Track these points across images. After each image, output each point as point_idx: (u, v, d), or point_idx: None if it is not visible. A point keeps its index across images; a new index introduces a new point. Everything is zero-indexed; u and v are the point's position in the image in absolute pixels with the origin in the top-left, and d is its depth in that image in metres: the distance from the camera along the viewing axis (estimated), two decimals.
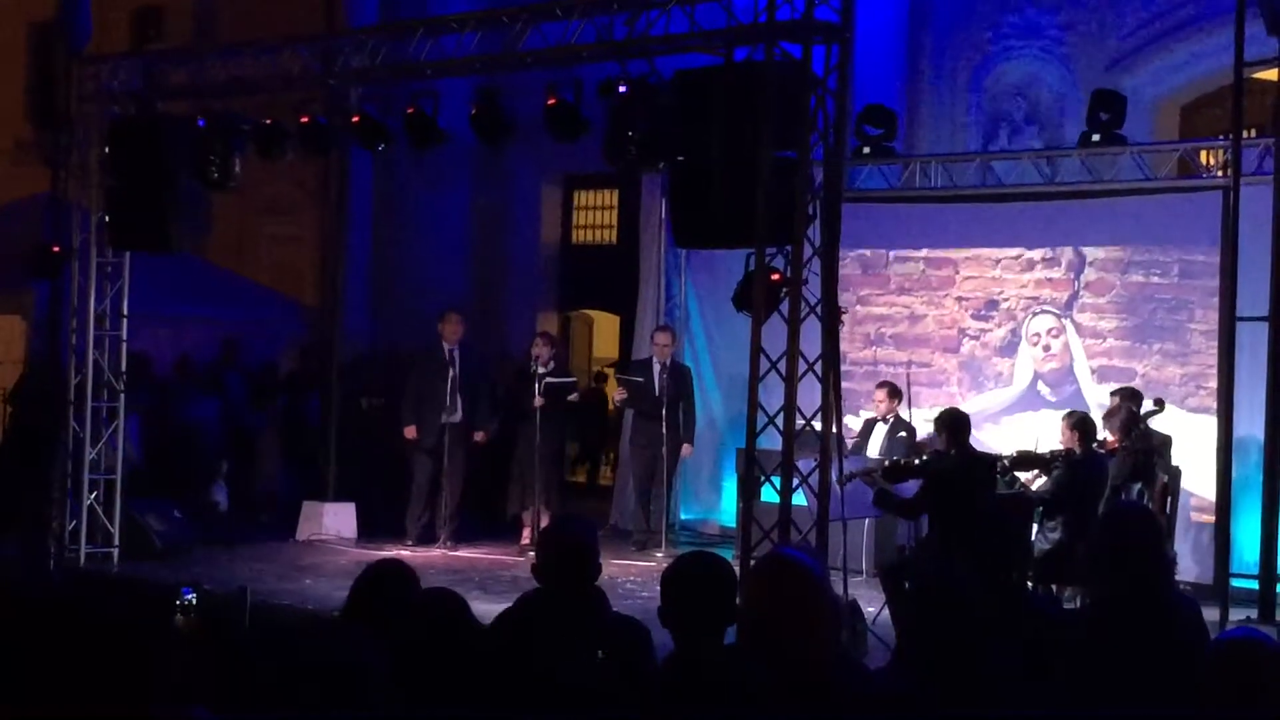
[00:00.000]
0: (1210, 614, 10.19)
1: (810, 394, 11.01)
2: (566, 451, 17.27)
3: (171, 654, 3.67)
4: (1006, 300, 15.43)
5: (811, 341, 10.93)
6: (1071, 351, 15.01)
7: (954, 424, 11.54)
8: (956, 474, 11.31)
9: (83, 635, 3.34)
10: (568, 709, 5.05)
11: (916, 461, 12.51)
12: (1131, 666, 5.04)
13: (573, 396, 15.65)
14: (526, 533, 15.07)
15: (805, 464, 10.99)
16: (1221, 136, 14.35)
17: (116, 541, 14.51)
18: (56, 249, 14.70)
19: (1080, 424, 11.81)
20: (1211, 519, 12.92)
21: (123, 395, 14.63)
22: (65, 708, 3.25)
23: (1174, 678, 4.96)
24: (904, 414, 14.22)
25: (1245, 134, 12.37)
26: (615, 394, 16.03)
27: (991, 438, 14.54)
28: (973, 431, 11.95)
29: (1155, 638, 4.80)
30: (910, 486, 12.21)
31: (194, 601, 6.47)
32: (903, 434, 14.34)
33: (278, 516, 16.83)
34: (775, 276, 10.94)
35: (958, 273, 15.79)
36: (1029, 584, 11.49)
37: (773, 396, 10.91)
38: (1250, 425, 12.11)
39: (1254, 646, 4.54)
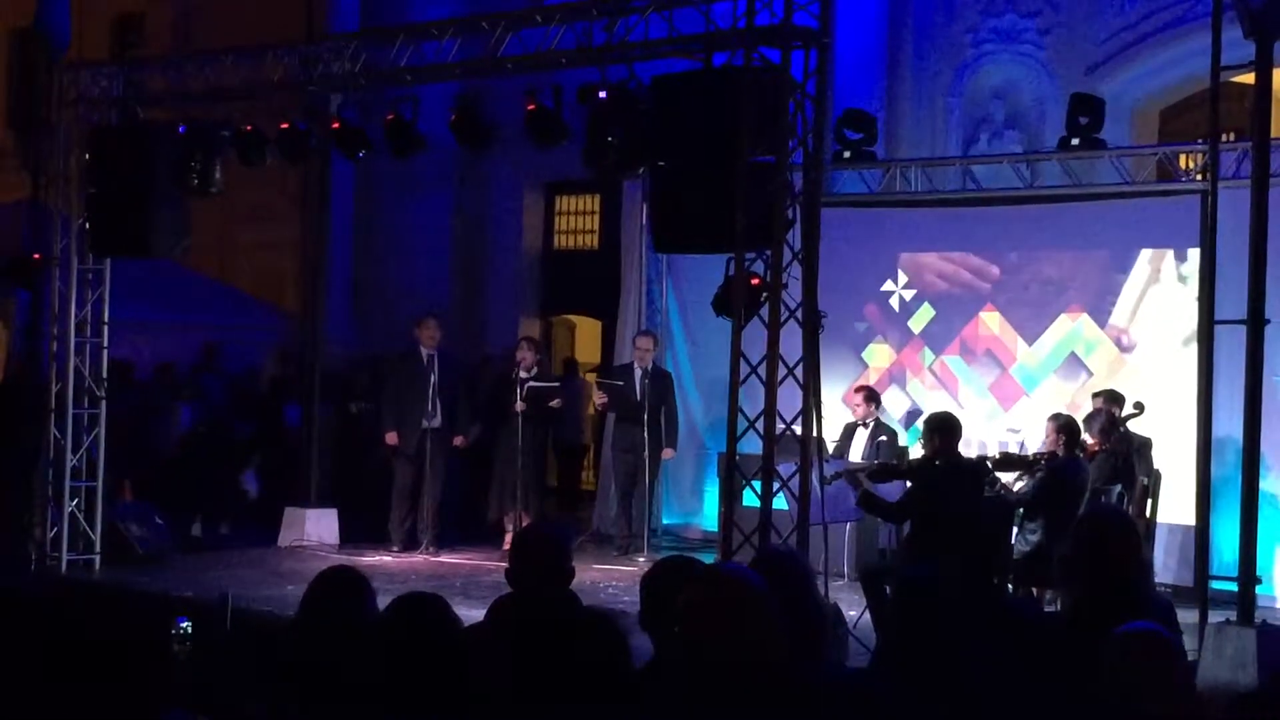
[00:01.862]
0: (1190, 616, 10.24)
1: (790, 398, 11.03)
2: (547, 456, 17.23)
3: (167, 672, 3.68)
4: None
5: (792, 346, 10.95)
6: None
7: (943, 428, 11.54)
8: (943, 479, 11.32)
9: (81, 649, 3.36)
10: (545, 711, 5.05)
11: (904, 465, 12.54)
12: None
13: (555, 402, 15.66)
14: (509, 538, 15.06)
15: (786, 468, 11.01)
16: (1199, 140, 14.37)
17: (98, 549, 14.47)
18: (37, 256, 14.70)
19: (1065, 427, 11.83)
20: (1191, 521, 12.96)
21: (104, 402, 14.60)
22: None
23: None
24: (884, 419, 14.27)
25: (1223, 138, 12.42)
26: (596, 398, 16.03)
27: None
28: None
29: None
30: (892, 489, 12.23)
31: (189, 630, 6.53)
32: (883, 438, 14.37)
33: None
34: (755, 281, 10.96)
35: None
36: (1009, 587, 11.54)
37: (753, 401, 10.93)
38: (1229, 427, 12.15)
39: (1152, 638, 4.61)
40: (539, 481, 16.03)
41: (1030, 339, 15.15)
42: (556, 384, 16.37)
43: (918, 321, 15.83)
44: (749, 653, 4.14)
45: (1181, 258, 14.28)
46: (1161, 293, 14.48)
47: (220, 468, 17.34)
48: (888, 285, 15.91)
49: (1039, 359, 14.94)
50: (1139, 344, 14.46)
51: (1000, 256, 15.39)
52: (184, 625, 6.51)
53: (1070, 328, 14.96)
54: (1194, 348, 13.20)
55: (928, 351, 15.55)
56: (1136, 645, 4.62)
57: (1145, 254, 14.54)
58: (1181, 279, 14.29)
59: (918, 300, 15.82)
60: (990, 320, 15.41)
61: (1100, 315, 14.78)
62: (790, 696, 4.07)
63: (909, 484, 11.88)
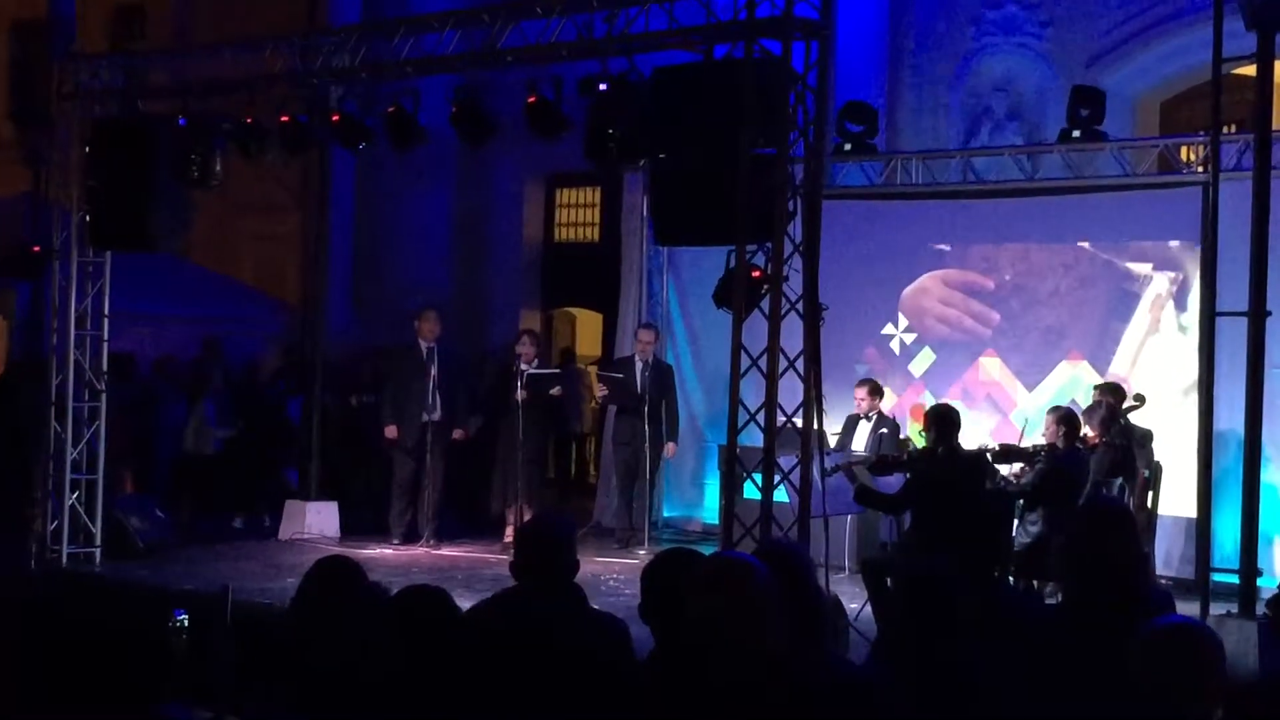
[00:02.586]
0: (1191, 608, 10.24)
1: (791, 391, 11.02)
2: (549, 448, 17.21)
3: (164, 666, 3.70)
4: None
5: (792, 338, 10.94)
6: None
7: (942, 420, 11.55)
8: (943, 471, 11.32)
9: (81, 642, 3.37)
10: (549, 706, 5.05)
11: (904, 457, 12.54)
12: (1106, 662, 5.05)
13: (555, 390, 15.62)
14: (509, 530, 15.05)
15: (786, 461, 11.01)
16: (1201, 132, 14.37)
17: (98, 541, 14.47)
18: (37, 249, 14.71)
19: (1065, 419, 11.83)
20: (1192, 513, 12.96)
21: (104, 395, 14.60)
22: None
23: None
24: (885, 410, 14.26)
25: (1225, 130, 12.41)
26: (597, 391, 16.02)
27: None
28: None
29: (1130, 634, 4.79)
30: (892, 481, 12.23)
31: (185, 623, 6.51)
32: (884, 430, 14.37)
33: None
34: (756, 273, 10.95)
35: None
36: (1010, 579, 11.54)
37: (754, 393, 10.92)
38: (1230, 420, 12.15)
39: (1188, 632, 4.55)
40: (541, 474, 16.02)
41: (1031, 385, 15.10)
42: (557, 371, 16.37)
43: (919, 365, 15.78)
44: (749, 638, 4.14)
45: (1181, 306, 14.27)
46: (1161, 342, 14.39)
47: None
48: (888, 329, 15.87)
49: (1039, 405, 14.67)
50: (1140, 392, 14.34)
51: (1002, 302, 15.31)
52: (181, 618, 6.50)
53: (1071, 374, 14.88)
54: (1194, 397, 13.22)
55: (928, 395, 15.36)
56: (1178, 642, 4.52)
57: (1145, 302, 14.48)
58: (1181, 329, 14.24)
59: (918, 344, 15.78)
60: (990, 365, 15.36)
61: (1100, 363, 14.69)
62: (789, 687, 4.07)
63: (908, 475, 11.88)
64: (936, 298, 15.64)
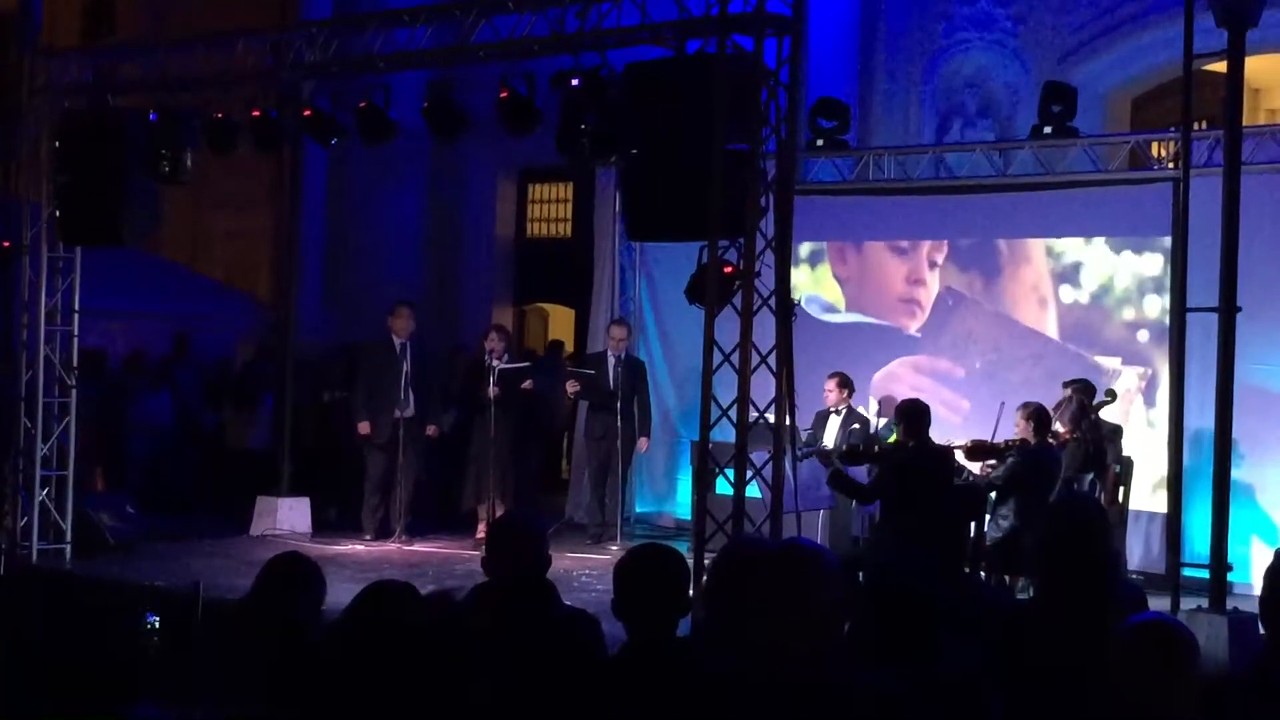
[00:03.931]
0: (1162, 603, 10.28)
1: (763, 386, 11.02)
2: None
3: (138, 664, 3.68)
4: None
5: (764, 334, 10.95)
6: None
7: (912, 415, 11.58)
8: (913, 465, 11.35)
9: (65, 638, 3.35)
10: (520, 703, 5.04)
11: (876, 448, 12.56)
12: (1078, 657, 5.06)
13: (527, 384, 15.60)
14: (482, 526, 15.03)
15: (759, 456, 11.02)
16: (1172, 129, 14.41)
17: (68, 538, 14.42)
18: (6, 244, 14.60)
19: (1035, 415, 11.87)
20: (1162, 508, 13.01)
21: (74, 391, 14.54)
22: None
23: None
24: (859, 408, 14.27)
25: (1195, 126, 12.45)
26: (568, 387, 16.01)
27: None
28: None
29: (1102, 629, 4.81)
30: (862, 473, 12.26)
31: (156, 625, 6.52)
32: (856, 425, 14.38)
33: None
34: (728, 269, 10.95)
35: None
36: (982, 574, 11.57)
37: (726, 389, 10.92)
38: (1201, 416, 12.19)
39: (1164, 629, 4.57)
40: (514, 470, 15.98)
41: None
42: (527, 365, 16.36)
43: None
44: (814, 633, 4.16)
45: (1150, 403, 14.28)
46: (1130, 434, 14.08)
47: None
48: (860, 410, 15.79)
49: None
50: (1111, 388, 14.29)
51: (972, 391, 15.22)
52: (152, 621, 6.51)
53: None
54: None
55: None
56: (1152, 640, 4.54)
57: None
58: (1150, 425, 14.24)
59: (888, 429, 15.72)
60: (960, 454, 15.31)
61: None
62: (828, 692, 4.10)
63: (878, 467, 11.90)
64: (907, 384, 15.57)
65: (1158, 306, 14.23)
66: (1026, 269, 15.12)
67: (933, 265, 15.70)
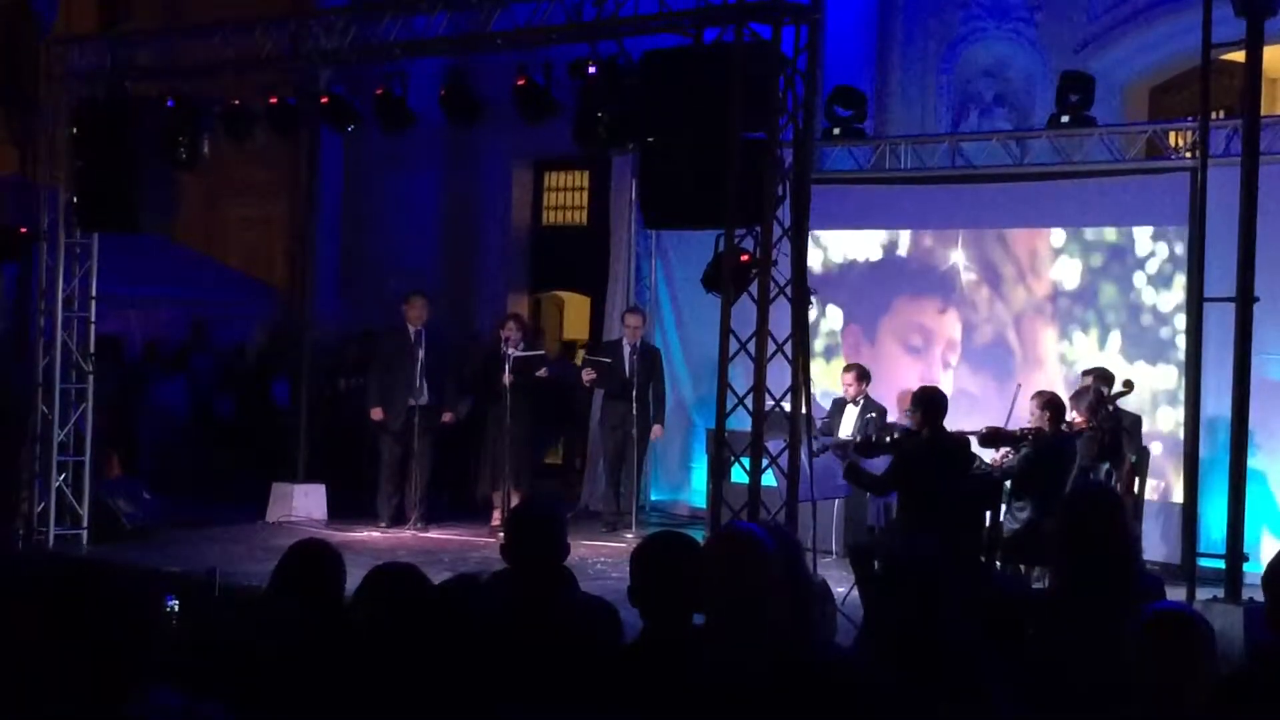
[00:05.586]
0: (1178, 594, 10.26)
1: (780, 375, 11.02)
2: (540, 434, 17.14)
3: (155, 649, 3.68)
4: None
5: (781, 322, 10.95)
6: None
7: (929, 403, 11.55)
8: (928, 454, 11.33)
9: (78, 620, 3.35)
10: (537, 690, 5.05)
11: (889, 439, 12.55)
12: (1096, 647, 5.06)
13: (542, 371, 15.61)
14: (497, 514, 15.06)
15: (775, 444, 11.02)
16: (1189, 118, 14.37)
17: (85, 523, 14.46)
18: (24, 230, 14.64)
19: (1050, 404, 11.84)
20: (1179, 499, 12.99)
21: (91, 377, 14.57)
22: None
23: None
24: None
25: (1213, 115, 12.40)
26: (584, 375, 16.02)
27: None
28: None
29: (1119, 618, 4.81)
30: (877, 464, 12.24)
31: (176, 608, 6.54)
32: (873, 415, 14.37)
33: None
34: (744, 257, 10.96)
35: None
36: (997, 564, 11.56)
37: (742, 377, 10.92)
38: (1218, 406, 12.16)
39: (1182, 619, 4.58)
40: (529, 457, 16.01)
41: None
42: (543, 353, 16.37)
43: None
44: (753, 610, 4.15)
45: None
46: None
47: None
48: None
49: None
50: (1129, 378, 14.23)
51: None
52: (172, 604, 6.53)
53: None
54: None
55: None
56: (1169, 629, 4.54)
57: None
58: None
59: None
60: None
61: None
62: (783, 666, 4.07)
63: (893, 457, 11.89)
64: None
65: (1174, 297, 14.20)
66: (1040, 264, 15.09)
67: (946, 366, 15.59)
